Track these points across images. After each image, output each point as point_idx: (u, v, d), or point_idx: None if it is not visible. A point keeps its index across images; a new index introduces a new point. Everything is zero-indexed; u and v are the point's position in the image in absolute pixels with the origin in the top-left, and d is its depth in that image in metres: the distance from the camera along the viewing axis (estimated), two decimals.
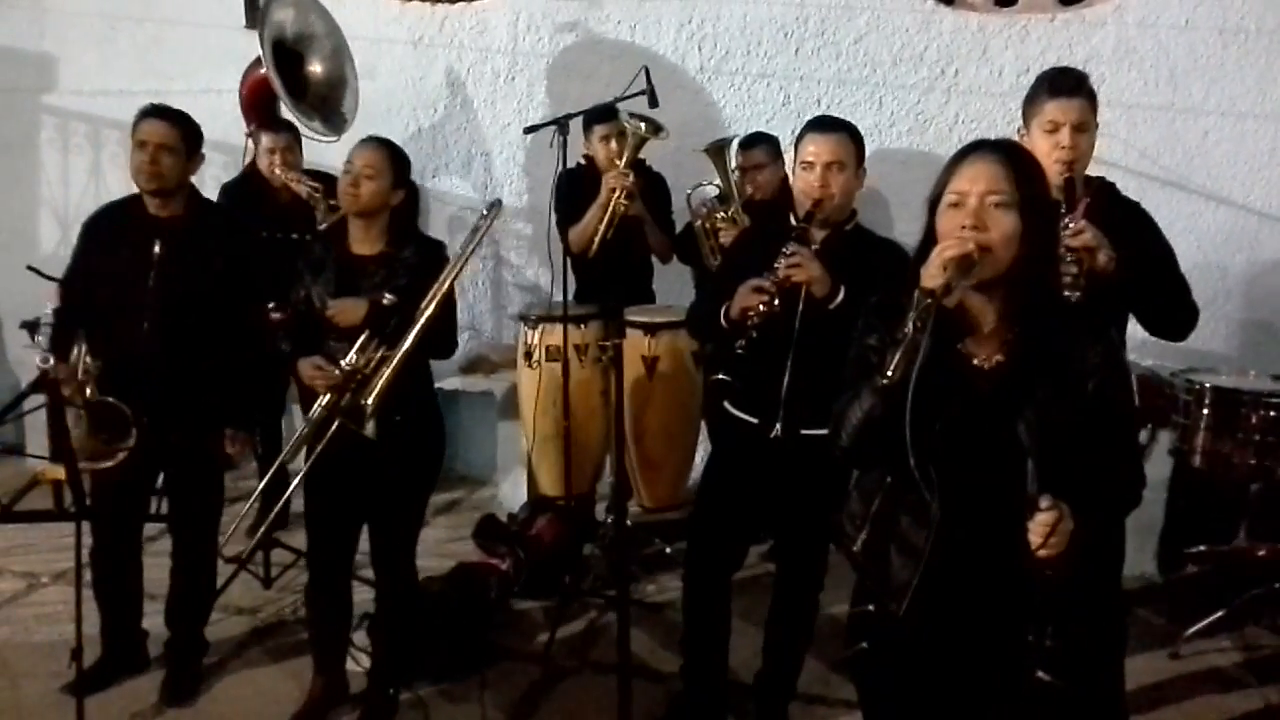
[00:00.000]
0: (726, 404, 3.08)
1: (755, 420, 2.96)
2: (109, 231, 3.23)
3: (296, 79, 4.81)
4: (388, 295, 2.93)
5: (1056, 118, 2.71)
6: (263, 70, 4.70)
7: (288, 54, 4.79)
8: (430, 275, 3.01)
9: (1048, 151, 2.70)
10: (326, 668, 3.27)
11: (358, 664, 3.34)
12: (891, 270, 2.83)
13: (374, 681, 3.23)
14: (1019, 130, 2.83)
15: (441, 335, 3.07)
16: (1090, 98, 2.75)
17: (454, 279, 3.03)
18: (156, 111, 3.20)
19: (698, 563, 3.16)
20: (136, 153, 3.15)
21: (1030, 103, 2.79)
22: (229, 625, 3.80)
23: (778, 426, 2.91)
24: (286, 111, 4.71)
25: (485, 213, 3.18)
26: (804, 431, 2.89)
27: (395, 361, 2.91)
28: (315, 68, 4.88)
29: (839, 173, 2.84)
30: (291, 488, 3.15)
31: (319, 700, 3.23)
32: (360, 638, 3.43)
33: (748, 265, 2.93)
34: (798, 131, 2.97)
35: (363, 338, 2.93)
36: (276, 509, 3.41)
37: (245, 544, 4.25)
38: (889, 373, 1.73)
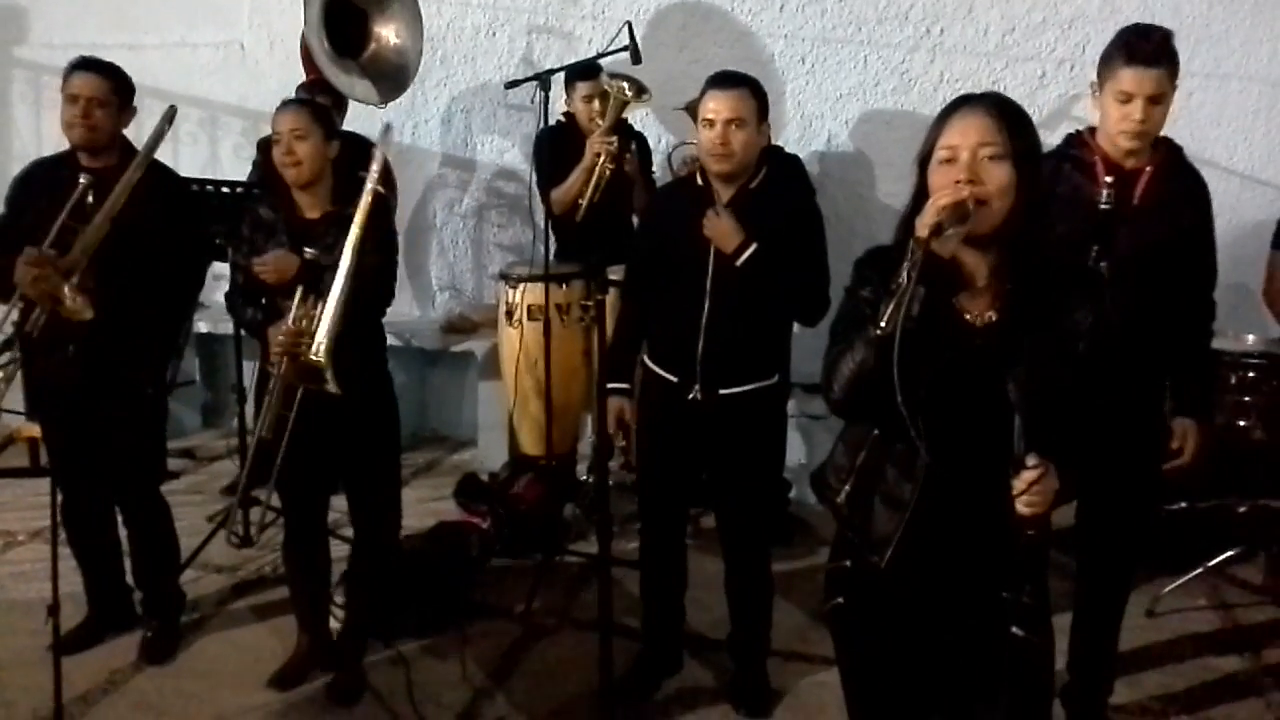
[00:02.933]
0: (645, 358, 3.09)
1: (674, 379, 2.97)
2: (41, 185, 3.15)
3: (353, 37, 4.52)
4: (308, 250, 2.89)
5: (1129, 88, 2.59)
6: None
7: (349, 9, 4.51)
8: (375, 228, 2.93)
9: (1118, 119, 2.63)
10: (309, 625, 3.27)
11: (338, 621, 3.34)
12: (796, 218, 2.89)
13: (345, 641, 3.23)
14: (1091, 85, 2.72)
15: (376, 281, 2.98)
16: (1171, 63, 2.60)
17: (365, 215, 2.86)
18: (88, 64, 3.13)
19: (646, 521, 3.22)
20: (68, 106, 3.09)
21: (1106, 63, 2.65)
22: (209, 583, 3.80)
23: (696, 388, 2.93)
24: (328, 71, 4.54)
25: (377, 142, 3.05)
26: (722, 391, 2.92)
27: (332, 308, 2.80)
28: (381, 29, 4.58)
29: (739, 129, 2.83)
30: (252, 455, 3.09)
31: (302, 657, 3.24)
32: (341, 596, 3.42)
33: (664, 235, 2.99)
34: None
35: (299, 292, 2.87)
36: (243, 477, 3.35)
37: (223, 503, 4.29)
38: (882, 324, 1.71)
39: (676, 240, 2.94)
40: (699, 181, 2.95)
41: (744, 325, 2.90)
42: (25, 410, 3.69)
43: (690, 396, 2.94)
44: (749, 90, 2.86)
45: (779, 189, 2.97)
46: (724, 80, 2.88)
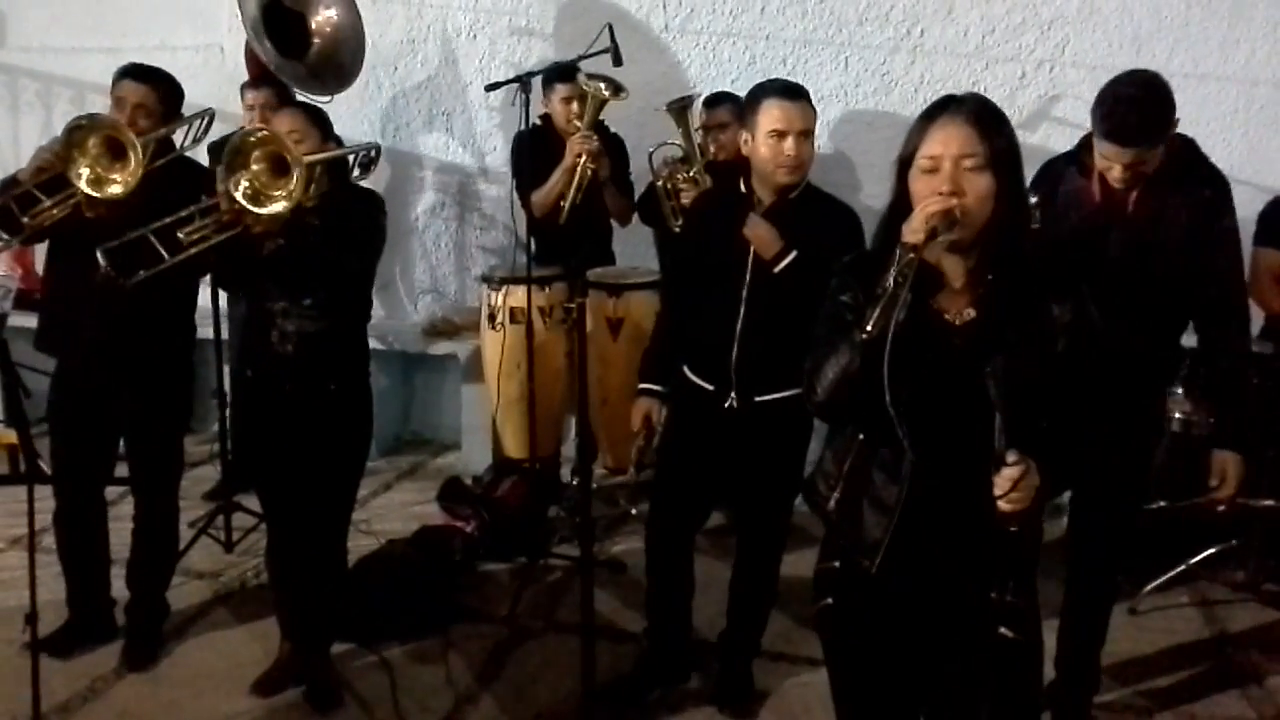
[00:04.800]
0: (685, 369, 3.08)
1: (710, 388, 2.96)
2: None
3: (296, 38, 4.50)
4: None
5: (1109, 155, 2.58)
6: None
7: (285, 14, 4.49)
8: (362, 212, 3.01)
9: (1102, 167, 2.62)
10: (293, 631, 3.24)
11: None
12: (841, 232, 2.85)
13: (300, 653, 3.19)
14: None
15: (338, 251, 2.92)
16: (1157, 137, 2.56)
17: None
18: (137, 72, 3.10)
19: (658, 525, 3.19)
20: (115, 111, 3.07)
21: (1093, 118, 2.61)
22: (190, 590, 3.77)
23: (732, 396, 2.92)
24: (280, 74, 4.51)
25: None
26: (758, 399, 2.91)
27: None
28: (319, 24, 4.56)
29: (806, 141, 2.82)
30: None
31: (284, 663, 3.21)
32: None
33: (705, 242, 2.97)
34: (751, 96, 2.90)
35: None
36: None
37: (204, 509, 4.26)
38: (869, 328, 1.71)
39: (716, 246, 2.93)
40: (741, 188, 2.93)
41: (779, 332, 2.86)
42: (2, 417, 3.65)
43: (726, 405, 2.92)
44: (808, 101, 2.86)
45: (821, 198, 2.96)
46: (790, 91, 2.85)
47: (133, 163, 2.90)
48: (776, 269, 2.80)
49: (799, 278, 2.79)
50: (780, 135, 2.79)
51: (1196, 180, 2.70)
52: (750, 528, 3.15)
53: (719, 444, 2.99)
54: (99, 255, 2.86)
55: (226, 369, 4.23)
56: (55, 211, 2.96)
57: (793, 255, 2.79)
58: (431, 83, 5.34)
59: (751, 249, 2.84)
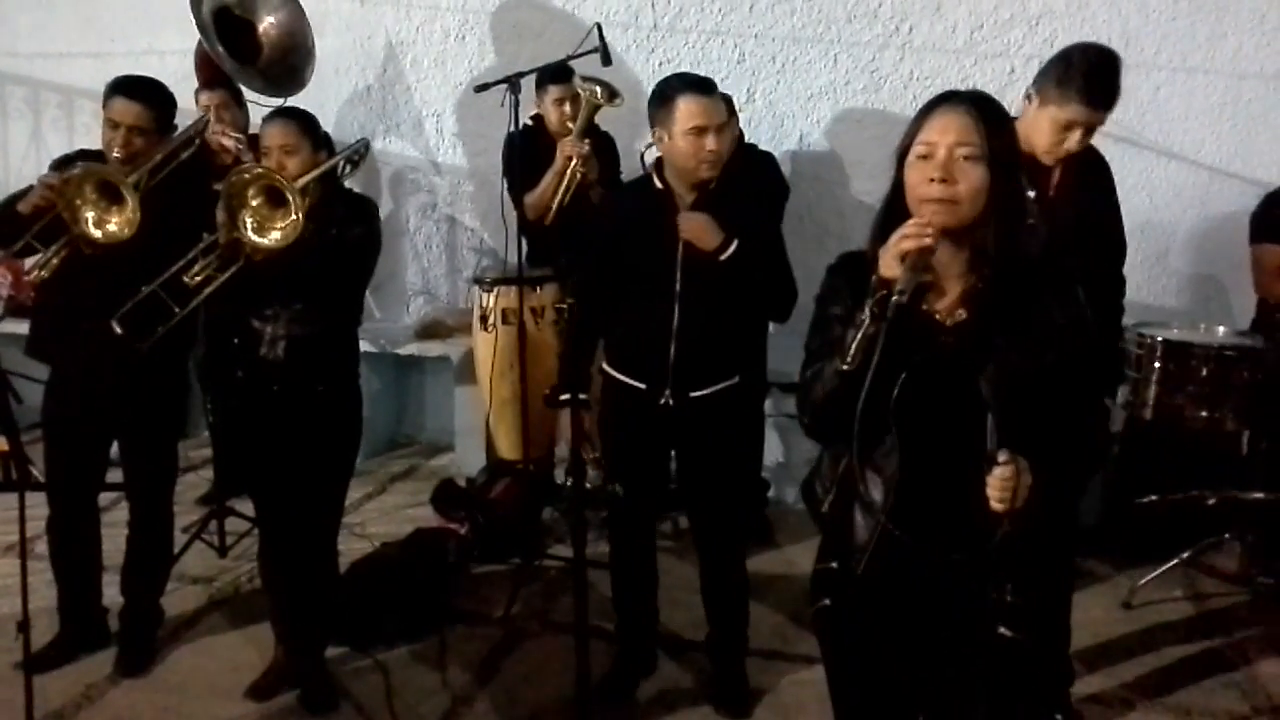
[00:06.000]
0: (606, 367, 3.06)
1: (642, 386, 2.95)
2: None
3: (248, 45, 4.57)
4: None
5: (1080, 119, 2.59)
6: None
7: (235, 21, 4.55)
8: (357, 221, 3.00)
9: (1054, 141, 2.63)
10: (287, 635, 3.23)
11: None
12: (760, 221, 2.93)
13: (295, 655, 3.19)
14: (1028, 92, 2.70)
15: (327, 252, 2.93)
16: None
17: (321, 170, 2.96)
18: (130, 90, 3.06)
19: (619, 525, 3.22)
20: (107, 129, 3.05)
21: (1058, 86, 2.61)
22: (184, 595, 3.76)
23: (667, 394, 2.91)
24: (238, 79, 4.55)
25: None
26: (693, 394, 2.91)
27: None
28: (266, 29, 4.62)
29: (724, 134, 2.82)
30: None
31: (279, 667, 3.21)
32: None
33: (625, 242, 2.94)
34: (661, 93, 2.86)
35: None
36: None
37: (197, 514, 4.25)
38: (849, 360, 1.72)
39: (640, 245, 2.91)
40: (658, 185, 2.92)
41: (716, 326, 2.89)
42: None
43: (662, 402, 2.92)
44: (719, 93, 2.86)
45: (733, 188, 2.95)
46: (704, 85, 2.83)
47: (129, 206, 2.90)
48: (722, 257, 2.80)
49: (741, 266, 2.79)
50: (700, 131, 2.77)
51: (1094, 160, 2.77)
52: (705, 525, 3.13)
53: (657, 442, 3.00)
54: (114, 325, 2.94)
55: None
56: (55, 261, 2.98)
57: (735, 245, 2.79)
58: (421, 84, 5.34)
59: (680, 245, 2.83)
